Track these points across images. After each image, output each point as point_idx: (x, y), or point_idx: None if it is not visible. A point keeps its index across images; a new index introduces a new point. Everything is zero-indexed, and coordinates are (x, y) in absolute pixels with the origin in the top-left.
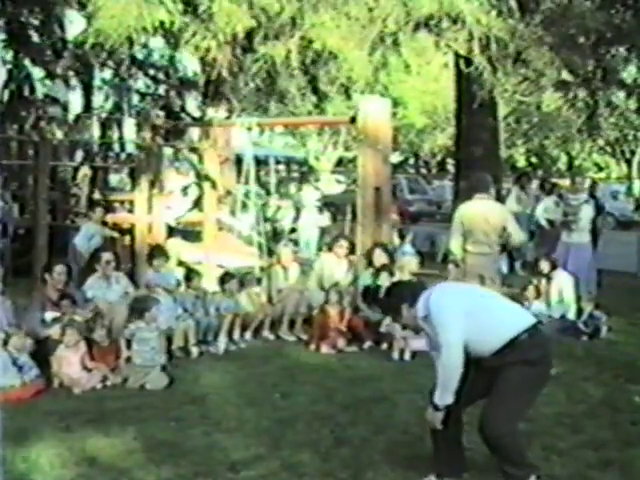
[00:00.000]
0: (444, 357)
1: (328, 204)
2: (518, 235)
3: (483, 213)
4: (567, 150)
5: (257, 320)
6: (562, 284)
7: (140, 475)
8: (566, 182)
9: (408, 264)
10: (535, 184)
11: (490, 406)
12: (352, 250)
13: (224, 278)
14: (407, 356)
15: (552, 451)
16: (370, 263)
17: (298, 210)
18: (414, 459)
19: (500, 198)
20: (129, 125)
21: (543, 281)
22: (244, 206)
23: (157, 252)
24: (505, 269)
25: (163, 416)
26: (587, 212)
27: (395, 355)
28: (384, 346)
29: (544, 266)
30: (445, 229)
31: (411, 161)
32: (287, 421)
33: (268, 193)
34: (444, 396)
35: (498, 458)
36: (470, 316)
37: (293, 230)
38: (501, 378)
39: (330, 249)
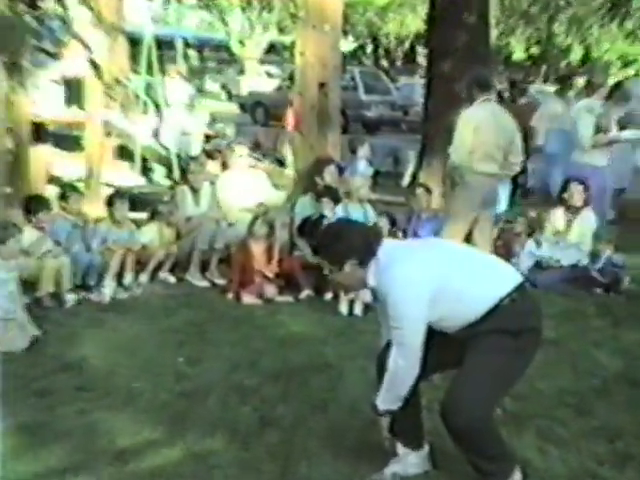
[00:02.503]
0: (396, 355)
1: (255, 104)
2: (520, 156)
3: (499, 121)
4: (582, 37)
5: (157, 258)
6: (586, 224)
7: None
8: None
9: (356, 189)
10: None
11: (456, 385)
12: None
13: (112, 200)
14: (358, 310)
15: (549, 440)
16: (312, 185)
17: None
18: (363, 446)
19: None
20: None
21: (558, 214)
22: (144, 105)
23: None
24: (504, 202)
25: (23, 389)
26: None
27: (342, 308)
28: (328, 296)
29: (577, 198)
30: (414, 142)
31: (369, 49)
32: (195, 395)
33: None
34: (389, 400)
35: (466, 451)
36: (439, 299)
37: (208, 138)
38: (473, 349)
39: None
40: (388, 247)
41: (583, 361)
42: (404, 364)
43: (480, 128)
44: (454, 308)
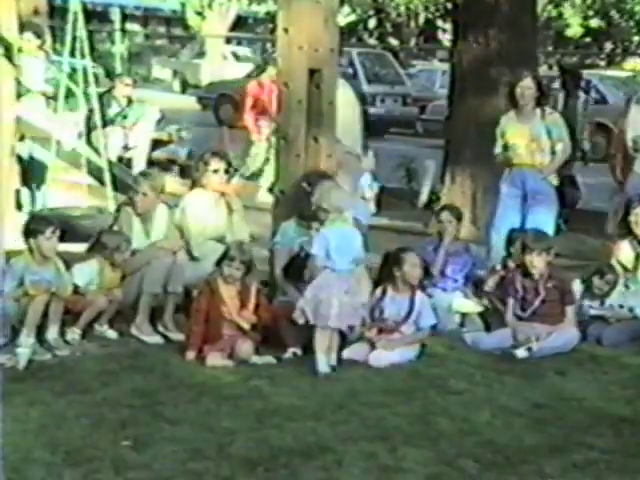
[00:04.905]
0: None
1: (220, 97)
2: None
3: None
4: None
5: (96, 307)
6: None
7: None
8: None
9: (336, 209)
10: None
11: None
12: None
13: (31, 227)
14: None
15: None
16: (300, 210)
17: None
18: None
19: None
20: None
21: (624, 247)
22: (69, 96)
23: None
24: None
25: None
26: None
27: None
28: None
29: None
30: (433, 148)
31: (371, 23)
32: None
33: (109, 74)
34: None
35: None
36: None
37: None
38: None
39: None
40: None
41: None
42: None
43: None
44: None
